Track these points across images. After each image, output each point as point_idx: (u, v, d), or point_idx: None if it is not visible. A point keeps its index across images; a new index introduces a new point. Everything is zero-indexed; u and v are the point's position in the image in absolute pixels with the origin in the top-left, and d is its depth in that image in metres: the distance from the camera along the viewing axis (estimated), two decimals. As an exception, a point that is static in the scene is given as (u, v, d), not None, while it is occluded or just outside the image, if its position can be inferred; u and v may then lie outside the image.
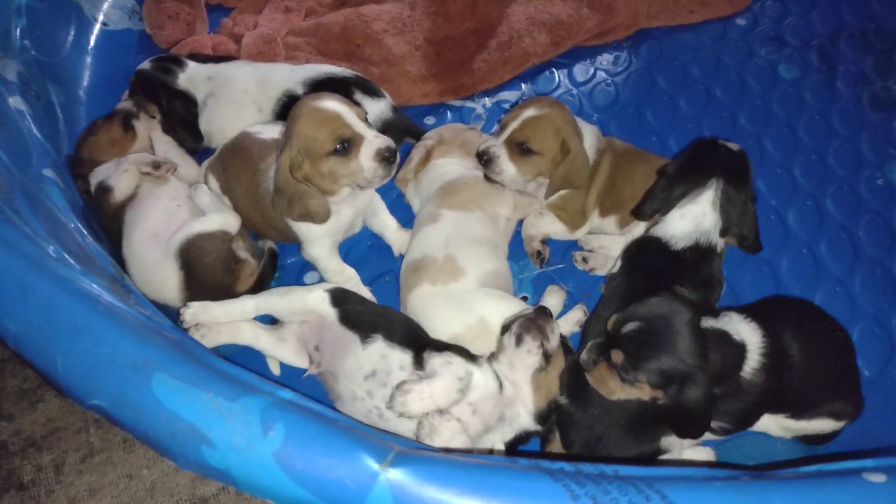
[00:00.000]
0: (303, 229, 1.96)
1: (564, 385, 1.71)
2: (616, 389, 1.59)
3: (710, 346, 1.53)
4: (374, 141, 1.79)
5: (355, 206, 2.01)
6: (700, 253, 1.83)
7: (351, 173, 1.82)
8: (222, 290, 1.91)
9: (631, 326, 1.55)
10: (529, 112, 1.98)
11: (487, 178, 2.04)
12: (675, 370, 1.49)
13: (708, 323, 1.58)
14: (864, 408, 1.73)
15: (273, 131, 2.14)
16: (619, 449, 1.64)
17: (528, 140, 1.96)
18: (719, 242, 1.86)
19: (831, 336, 1.72)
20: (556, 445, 1.73)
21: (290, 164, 1.80)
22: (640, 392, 1.56)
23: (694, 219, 1.84)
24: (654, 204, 1.90)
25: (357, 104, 1.89)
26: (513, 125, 1.99)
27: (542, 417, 1.68)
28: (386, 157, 1.79)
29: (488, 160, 1.98)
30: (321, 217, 1.87)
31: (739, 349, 1.57)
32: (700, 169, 1.88)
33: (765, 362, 1.57)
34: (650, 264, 1.84)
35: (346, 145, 1.79)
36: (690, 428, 1.56)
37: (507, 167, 1.99)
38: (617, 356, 1.55)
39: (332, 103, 1.80)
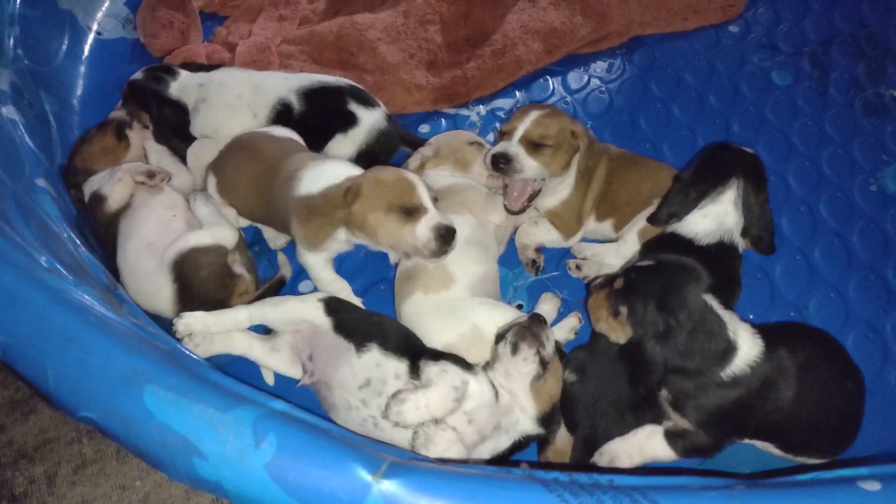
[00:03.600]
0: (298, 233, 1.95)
1: (574, 363, 1.73)
2: (602, 318, 1.64)
3: (700, 327, 1.51)
4: (437, 216, 1.78)
5: None
6: (724, 249, 1.83)
7: (397, 237, 1.78)
8: (216, 305, 1.89)
9: (645, 262, 1.58)
10: (535, 113, 2.02)
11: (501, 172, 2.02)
12: (653, 318, 1.51)
13: (714, 303, 1.54)
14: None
15: (281, 133, 2.14)
16: (620, 426, 1.67)
17: (543, 137, 1.99)
18: (740, 243, 1.87)
19: (838, 385, 1.64)
20: (555, 447, 1.73)
21: (353, 192, 1.77)
22: (621, 331, 1.59)
23: (716, 217, 1.85)
24: (671, 208, 1.90)
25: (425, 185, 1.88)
26: (522, 127, 2.00)
27: (546, 420, 1.68)
28: (443, 236, 1.76)
29: (507, 160, 1.97)
30: (311, 244, 1.89)
31: (728, 345, 1.53)
32: (719, 170, 1.89)
33: (749, 375, 1.53)
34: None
35: (409, 211, 1.77)
36: (636, 374, 1.58)
37: (528, 162, 1.98)
38: (618, 283, 1.59)
39: (411, 175, 1.83)
